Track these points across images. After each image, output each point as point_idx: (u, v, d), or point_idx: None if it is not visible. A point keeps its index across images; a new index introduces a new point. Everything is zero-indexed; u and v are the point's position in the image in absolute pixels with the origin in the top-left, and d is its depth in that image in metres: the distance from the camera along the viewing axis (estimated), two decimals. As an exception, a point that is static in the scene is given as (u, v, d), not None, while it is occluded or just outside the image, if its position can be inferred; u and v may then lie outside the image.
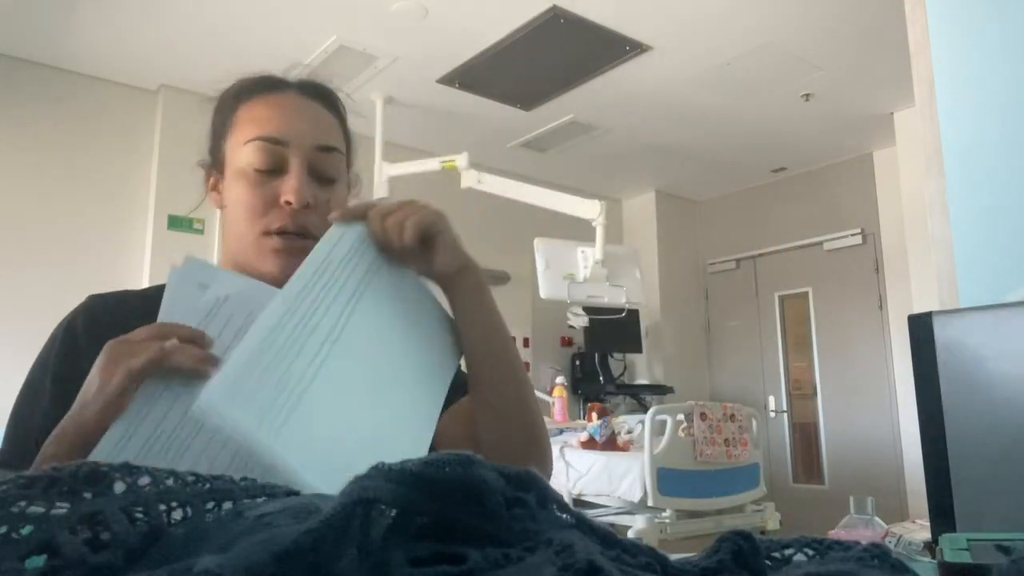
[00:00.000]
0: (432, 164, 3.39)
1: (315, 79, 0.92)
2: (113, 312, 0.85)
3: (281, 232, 0.82)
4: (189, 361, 0.64)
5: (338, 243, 0.71)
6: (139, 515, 0.33)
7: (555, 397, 4.17)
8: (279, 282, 0.68)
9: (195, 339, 0.66)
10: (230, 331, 0.68)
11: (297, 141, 0.84)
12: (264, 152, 0.83)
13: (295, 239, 0.83)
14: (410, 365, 0.73)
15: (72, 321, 0.85)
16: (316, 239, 0.73)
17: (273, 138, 0.83)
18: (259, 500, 0.37)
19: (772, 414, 5.68)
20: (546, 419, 4.30)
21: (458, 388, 0.80)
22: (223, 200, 0.89)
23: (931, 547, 0.87)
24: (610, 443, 3.71)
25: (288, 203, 0.82)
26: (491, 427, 0.81)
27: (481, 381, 0.80)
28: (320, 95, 0.90)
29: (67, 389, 0.80)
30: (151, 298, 0.90)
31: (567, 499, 3.34)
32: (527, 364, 5.48)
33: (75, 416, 0.67)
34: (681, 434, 3.27)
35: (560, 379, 4.49)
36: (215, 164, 0.90)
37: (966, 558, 0.62)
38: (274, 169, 0.83)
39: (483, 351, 0.79)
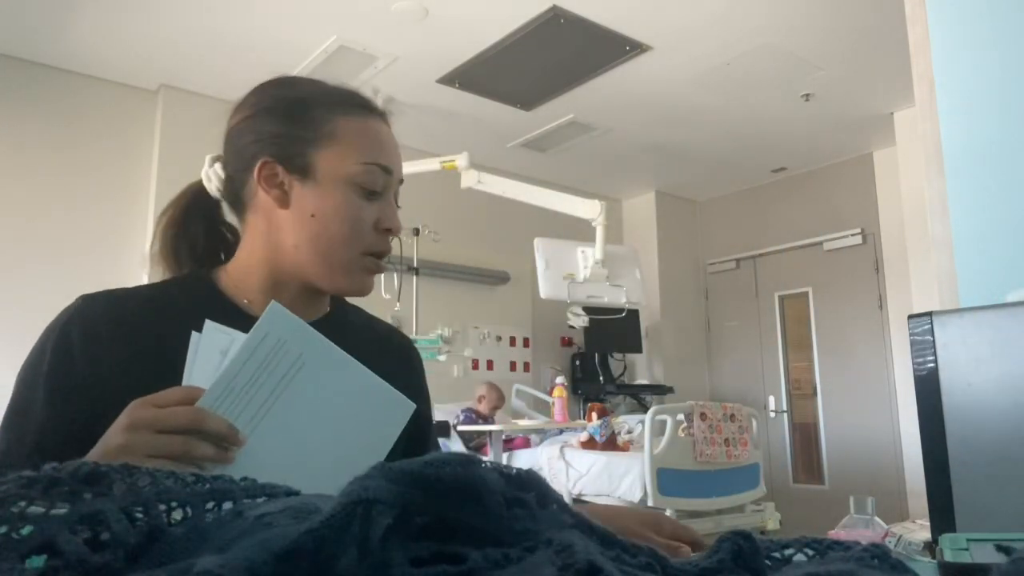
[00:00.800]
0: (432, 164, 3.39)
1: (382, 105, 0.97)
2: (108, 316, 0.85)
3: (379, 255, 0.92)
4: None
5: (263, 341, 0.70)
6: (139, 515, 0.33)
7: (555, 397, 4.17)
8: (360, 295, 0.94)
9: (226, 437, 0.66)
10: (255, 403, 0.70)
11: (396, 173, 0.93)
12: (378, 177, 0.90)
13: (382, 262, 0.93)
14: (342, 442, 0.74)
15: (65, 328, 0.83)
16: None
17: (386, 167, 0.91)
18: (259, 500, 0.37)
19: (772, 414, 5.68)
20: (546, 419, 4.31)
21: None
22: (291, 200, 0.88)
23: (931, 547, 0.87)
24: (610, 443, 3.71)
25: (388, 230, 0.91)
26: None
27: None
28: (389, 126, 0.97)
29: (61, 401, 0.79)
30: (144, 299, 0.89)
31: (567, 499, 3.34)
32: (527, 364, 5.48)
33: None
34: (681, 434, 3.27)
35: (560, 379, 4.48)
36: (288, 164, 0.88)
37: (966, 558, 0.62)
38: (377, 193, 0.90)
39: None
